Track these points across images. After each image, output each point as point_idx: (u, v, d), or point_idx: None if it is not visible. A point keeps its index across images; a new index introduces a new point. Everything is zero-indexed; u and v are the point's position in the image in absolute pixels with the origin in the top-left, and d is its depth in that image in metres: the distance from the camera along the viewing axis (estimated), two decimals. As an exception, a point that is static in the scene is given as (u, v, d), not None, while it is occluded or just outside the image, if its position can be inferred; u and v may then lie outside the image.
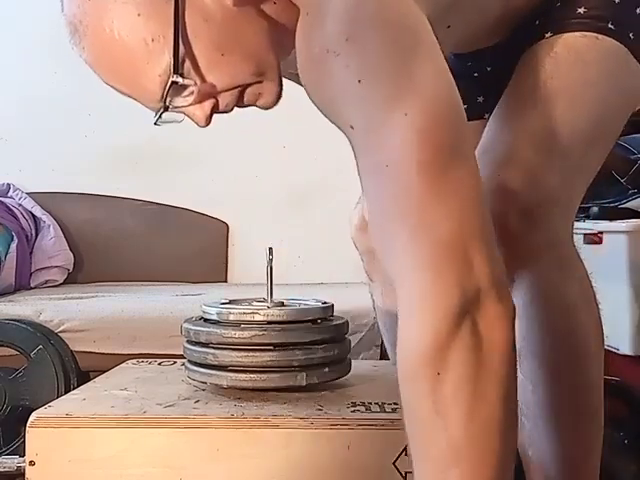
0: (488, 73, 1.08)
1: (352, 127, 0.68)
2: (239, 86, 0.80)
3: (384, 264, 0.67)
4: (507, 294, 0.64)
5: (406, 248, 0.63)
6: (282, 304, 1.12)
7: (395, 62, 0.66)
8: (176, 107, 0.79)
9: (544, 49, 0.94)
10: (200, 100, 0.79)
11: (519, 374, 0.96)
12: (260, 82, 0.81)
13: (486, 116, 1.00)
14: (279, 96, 0.83)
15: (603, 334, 0.97)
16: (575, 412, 0.95)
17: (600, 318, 0.97)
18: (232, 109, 0.82)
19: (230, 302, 1.14)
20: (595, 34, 0.92)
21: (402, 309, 0.64)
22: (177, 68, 0.75)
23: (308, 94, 0.74)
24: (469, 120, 1.11)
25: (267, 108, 0.83)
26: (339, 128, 0.70)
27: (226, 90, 0.79)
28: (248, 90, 0.81)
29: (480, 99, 1.08)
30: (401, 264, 0.64)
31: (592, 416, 0.96)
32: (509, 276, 0.95)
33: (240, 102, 0.82)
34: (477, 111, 1.06)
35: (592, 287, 0.96)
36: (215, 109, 0.80)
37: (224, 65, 0.78)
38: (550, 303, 0.93)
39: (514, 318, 0.64)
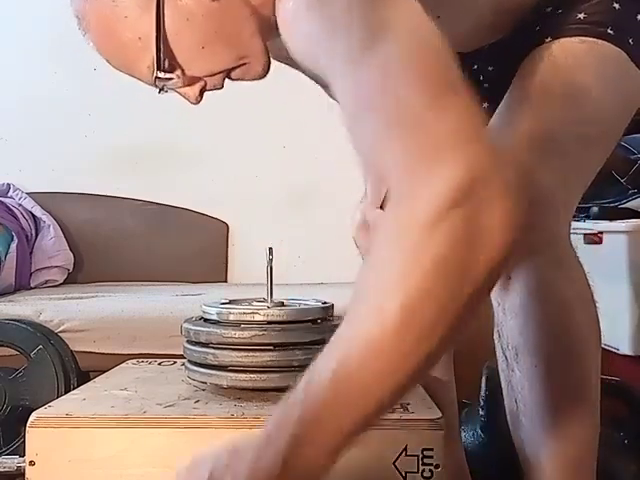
0: (491, 76, 1.08)
1: (335, 57, 0.66)
2: (221, 71, 0.85)
3: (371, 164, 0.64)
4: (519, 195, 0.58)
5: (405, 142, 0.60)
6: (282, 304, 1.12)
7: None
8: (169, 88, 0.86)
9: (543, 54, 0.95)
10: (188, 84, 0.85)
11: (516, 371, 0.97)
12: (244, 64, 0.85)
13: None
14: (266, 72, 0.87)
15: (600, 333, 0.97)
16: (572, 410, 0.95)
17: (597, 317, 0.96)
18: (222, 87, 0.88)
19: (230, 302, 1.14)
20: (594, 39, 0.93)
21: (395, 193, 0.60)
22: (160, 65, 0.82)
23: (290, 52, 0.76)
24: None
25: (256, 80, 0.88)
26: (318, 78, 0.72)
27: (209, 76, 0.85)
28: (233, 72, 0.86)
29: (485, 105, 1.08)
30: (395, 158, 0.60)
31: (589, 415, 0.96)
32: (505, 274, 0.95)
33: (229, 77, 0.87)
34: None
35: (589, 286, 0.96)
36: (204, 89, 0.87)
37: (204, 57, 0.83)
38: (546, 301, 0.93)
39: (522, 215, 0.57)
